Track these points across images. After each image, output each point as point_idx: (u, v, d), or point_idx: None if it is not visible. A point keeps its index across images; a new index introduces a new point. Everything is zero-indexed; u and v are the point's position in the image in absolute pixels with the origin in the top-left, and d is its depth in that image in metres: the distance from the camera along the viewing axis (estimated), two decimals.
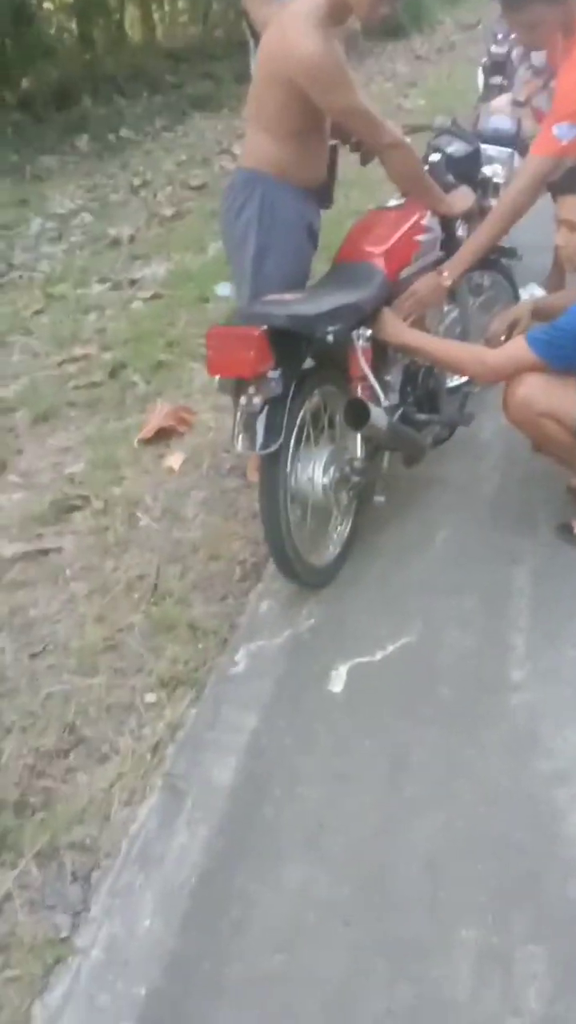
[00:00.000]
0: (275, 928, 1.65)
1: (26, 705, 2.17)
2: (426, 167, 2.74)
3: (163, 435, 3.34)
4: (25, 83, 10.47)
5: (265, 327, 2.03)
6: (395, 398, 2.69)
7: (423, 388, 2.76)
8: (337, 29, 2.28)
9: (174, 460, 3.17)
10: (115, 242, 5.84)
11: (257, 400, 2.09)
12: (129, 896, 1.72)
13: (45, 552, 2.76)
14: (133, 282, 5.09)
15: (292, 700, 2.15)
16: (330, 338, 2.10)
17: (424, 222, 2.68)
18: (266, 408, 2.11)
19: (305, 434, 2.33)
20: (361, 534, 2.64)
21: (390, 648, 2.27)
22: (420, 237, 2.66)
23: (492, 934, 1.61)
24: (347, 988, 1.55)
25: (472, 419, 2.80)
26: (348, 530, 2.55)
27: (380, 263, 2.52)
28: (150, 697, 2.19)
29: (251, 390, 2.09)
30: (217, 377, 2.13)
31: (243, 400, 2.10)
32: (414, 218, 2.66)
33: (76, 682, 2.25)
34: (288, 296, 2.24)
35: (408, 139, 2.54)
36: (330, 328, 2.10)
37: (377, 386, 2.34)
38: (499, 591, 2.44)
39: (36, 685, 2.24)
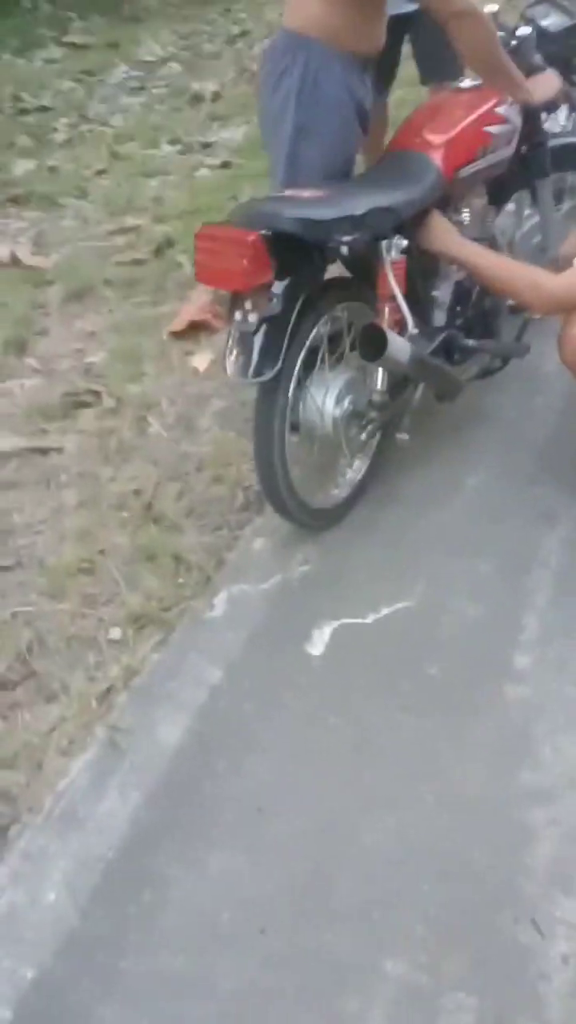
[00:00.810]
0: (184, 923, 1.50)
1: None
2: (513, 42, 2.29)
3: (196, 329, 3.06)
4: None
5: (265, 231, 1.71)
6: (441, 318, 2.34)
7: (477, 309, 2.39)
8: None
9: (200, 360, 2.90)
10: (196, 99, 5.39)
11: (253, 318, 1.80)
12: (41, 862, 1.59)
13: (44, 451, 2.59)
14: (206, 146, 4.70)
15: (264, 658, 1.95)
16: (344, 249, 1.77)
17: (500, 110, 2.25)
18: (264, 327, 1.81)
19: (321, 356, 2.04)
20: (381, 473, 2.35)
21: (384, 611, 2.03)
22: (492, 128, 2.23)
23: (421, 972, 1.42)
24: (244, 1007, 1.39)
25: (528, 350, 2.43)
26: (363, 471, 2.26)
27: (437, 156, 2.13)
28: (115, 633, 2.01)
29: (247, 305, 1.80)
30: None
31: (237, 316, 1.81)
32: (488, 104, 2.23)
33: (42, 605, 2.09)
34: (306, 192, 1.90)
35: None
36: (345, 237, 1.77)
37: (406, 309, 2.00)
38: (522, 558, 2.14)
39: (1, 603, 2.09)
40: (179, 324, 3.05)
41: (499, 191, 2.55)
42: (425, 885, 1.53)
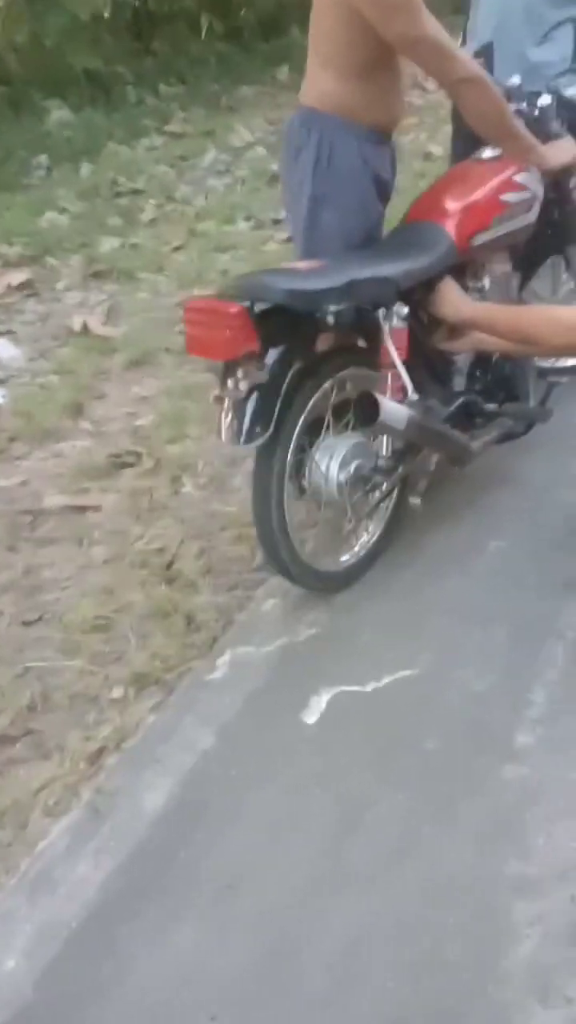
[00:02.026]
0: (138, 1002, 1.37)
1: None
2: (535, 112, 2.18)
3: None
4: (242, 13, 10.03)
5: (253, 303, 1.64)
6: (461, 383, 2.22)
7: (497, 373, 2.25)
8: None
9: None
10: (275, 178, 5.44)
11: (244, 386, 1.72)
12: (7, 926, 1.50)
13: (83, 509, 2.56)
14: (276, 222, 4.71)
15: (258, 724, 1.83)
16: (330, 319, 1.68)
17: (518, 179, 2.13)
18: (255, 395, 1.74)
19: (327, 423, 1.95)
20: (400, 536, 2.22)
21: (386, 680, 1.88)
22: (509, 196, 2.12)
23: None
24: None
25: (550, 415, 2.27)
26: (376, 535, 2.13)
27: (450, 225, 2.03)
28: (117, 692, 1.93)
29: (239, 373, 1.73)
30: None
31: (230, 384, 1.74)
32: (506, 173, 2.12)
33: (55, 660, 2.03)
34: (302, 265, 1.83)
35: None
36: (333, 308, 1.68)
37: (406, 376, 1.88)
38: (536, 628, 1.96)
39: (17, 658, 2.05)
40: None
41: (531, 257, 2.42)
42: (391, 980, 1.37)
